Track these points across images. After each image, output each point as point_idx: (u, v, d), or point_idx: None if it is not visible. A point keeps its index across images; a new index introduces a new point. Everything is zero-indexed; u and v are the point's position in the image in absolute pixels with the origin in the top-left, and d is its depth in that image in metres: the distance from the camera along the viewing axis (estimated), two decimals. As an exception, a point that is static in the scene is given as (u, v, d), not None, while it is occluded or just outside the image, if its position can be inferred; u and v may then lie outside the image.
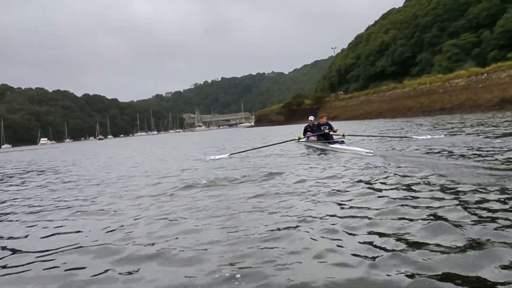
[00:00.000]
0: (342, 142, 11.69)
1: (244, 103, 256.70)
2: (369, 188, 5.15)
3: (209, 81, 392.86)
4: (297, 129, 25.96)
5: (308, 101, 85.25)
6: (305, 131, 14.54)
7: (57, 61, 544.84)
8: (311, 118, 15.12)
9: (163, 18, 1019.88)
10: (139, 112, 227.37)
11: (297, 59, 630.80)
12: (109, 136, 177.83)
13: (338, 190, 5.20)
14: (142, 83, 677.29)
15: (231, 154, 12.22)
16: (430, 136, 12.09)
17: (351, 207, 4.23)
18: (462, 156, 7.38)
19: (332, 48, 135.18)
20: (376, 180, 5.68)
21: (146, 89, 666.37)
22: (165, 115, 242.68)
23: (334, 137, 12.99)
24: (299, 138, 13.86)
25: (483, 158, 6.73)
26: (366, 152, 9.03)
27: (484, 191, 4.31)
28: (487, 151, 7.71)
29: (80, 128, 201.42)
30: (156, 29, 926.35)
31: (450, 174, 5.50)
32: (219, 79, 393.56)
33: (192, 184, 6.70)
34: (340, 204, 4.40)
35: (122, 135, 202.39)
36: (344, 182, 5.81)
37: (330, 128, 13.27)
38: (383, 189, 4.98)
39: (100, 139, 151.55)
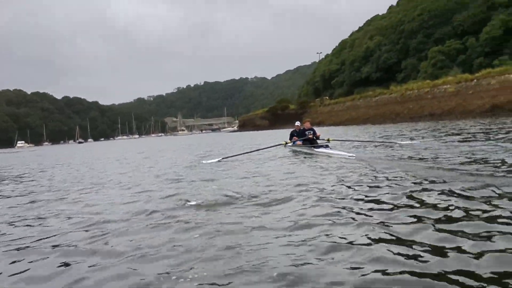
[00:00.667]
0: (327, 146, 12.44)
1: (227, 107, 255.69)
2: (351, 189, 5.46)
3: (192, 85, 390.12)
4: (283, 134, 25.60)
5: (292, 105, 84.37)
6: (291, 135, 15.08)
7: (36, 63, 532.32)
8: (298, 123, 15.55)
9: (142, 21, 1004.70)
10: (120, 115, 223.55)
11: (280, 64, 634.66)
12: (89, 140, 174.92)
13: (327, 195, 5.18)
14: (123, 86, 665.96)
15: (223, 158, 12.47)
16: (410, 141, 12.82)
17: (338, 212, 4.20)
18: (436, 159, 7.90)
19: (318, 53, 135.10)
20: (356, 182, 6.03)
21: (127, 92, 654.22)
22: (147, 118, 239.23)
23: (319, 141, 13.61)
24: (286, 143, 14.63)
25: (459, 162, 7.14)
26: (349, 156, 9.51)
27: (453, 192, 4.63)
28: (464, 155, 8.14)
29: (59, 131, 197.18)
30: (136, 32, 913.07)
31: (424, 175, 5.92)
32: (202, 83, 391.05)
33: (180, 205, 5.34)
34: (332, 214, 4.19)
35: (102, 139, 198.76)
36: (331, 186, 5.90)
37: (314, 133, 13.87)
38: (362, 190, 5.30)
39: (80, 142, 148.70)
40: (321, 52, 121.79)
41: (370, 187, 5.51)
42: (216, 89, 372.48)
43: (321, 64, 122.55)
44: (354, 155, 9.51)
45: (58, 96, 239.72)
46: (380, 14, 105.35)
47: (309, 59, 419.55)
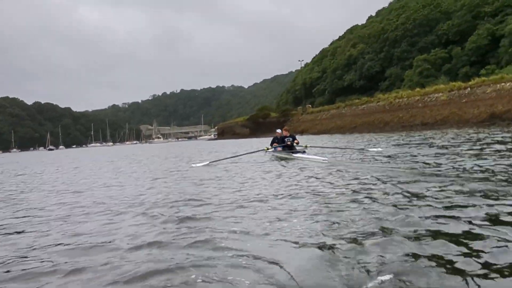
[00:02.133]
0: (304, 152, 13.60)
1: (203, 115, 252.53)
2: (317, 185, 6.59)
3: (168, 93, 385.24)
4: (267, 142, 23.96)
5: (274, 114, 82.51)
6: (273, 142, 16.11)
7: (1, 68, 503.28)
8: (279, 131, 16.50)
9: (112, 27, 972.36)
10: (94, 122, 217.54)
11: (257, 73, 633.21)
12: (60, 147, 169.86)
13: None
14: (97, 93, 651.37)
15: (211, 161, 13.57)
16: (381, 149, 13.91)
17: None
18: (393, 161, 9.43)
19: (299, 60, 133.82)
20: (324, 180, 7.13)
21: (102, 99, 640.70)
22: (122, 126, 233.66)
23: (298, 147, 14.78)
24: (267, 149, 15.66)
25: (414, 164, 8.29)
26: (323, 160, 10.74)
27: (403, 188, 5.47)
28: (415, 159, 9.48)
29: (30, 138, 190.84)
30: (106, 38, 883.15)
31: (380, 175, 7.01)
32: (178, 91, 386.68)
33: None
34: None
35: (74, 146, 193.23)
36: (303, 183, 6.91)
37: (293, 139, 15.03)
38: (328, 187, 6.31)
39: (50, 149, 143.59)
40: (303, 60, 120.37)
41: (335, 183, 6.60)
42: (192, 97, 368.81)
43: (301, 72, 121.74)
44: (326, 159, 10.87)
45: (29, 102, 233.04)
46: (360, 24, 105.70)
47: (286, 69, 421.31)
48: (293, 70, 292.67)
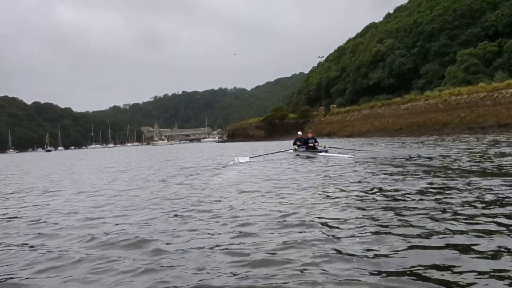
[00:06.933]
0: (326, 152, 15.38)
1: (205, 118, 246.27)
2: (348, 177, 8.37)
3: (170, 94, 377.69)
4: (284, 146, 23.42)
5: (292, 114, 75.62)
6: (295, 142, 17.80)
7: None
8: (299, 133, 19.12)
9: (91, 28, 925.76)
10: (94, 123, 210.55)
11: (260, 76, 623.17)
12: (59, 148, 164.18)
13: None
14: (96, 94, 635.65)
15: (251, 157, 15.45)
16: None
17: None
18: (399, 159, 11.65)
19: (319, 56, 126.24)
20: (357, 173, 9.01)
21: (102, 99, 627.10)
22: (122, 127, 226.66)
23: (319, 148, 16.67)
24: (295, 148, 17.41)
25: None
26: (348, 157, 12.86)
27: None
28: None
29: (29, 138, 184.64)
30: (85, 38, 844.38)
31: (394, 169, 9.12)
32: (180, 93, 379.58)
33: None
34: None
35: (73, 147, 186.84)
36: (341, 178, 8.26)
37: (315, 141, 17.12)
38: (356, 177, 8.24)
39: (48, 150, 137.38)
40: (322, 56, 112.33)
41: (363, 175, 8.45)
42: (194, 99, 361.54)
43: (313, 72, 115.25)
44: (351, 156, 12.96)
45: (29, 102, 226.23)
46: (377, 21, 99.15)
47: (290, 72, 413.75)
48: (297, 73, 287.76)
